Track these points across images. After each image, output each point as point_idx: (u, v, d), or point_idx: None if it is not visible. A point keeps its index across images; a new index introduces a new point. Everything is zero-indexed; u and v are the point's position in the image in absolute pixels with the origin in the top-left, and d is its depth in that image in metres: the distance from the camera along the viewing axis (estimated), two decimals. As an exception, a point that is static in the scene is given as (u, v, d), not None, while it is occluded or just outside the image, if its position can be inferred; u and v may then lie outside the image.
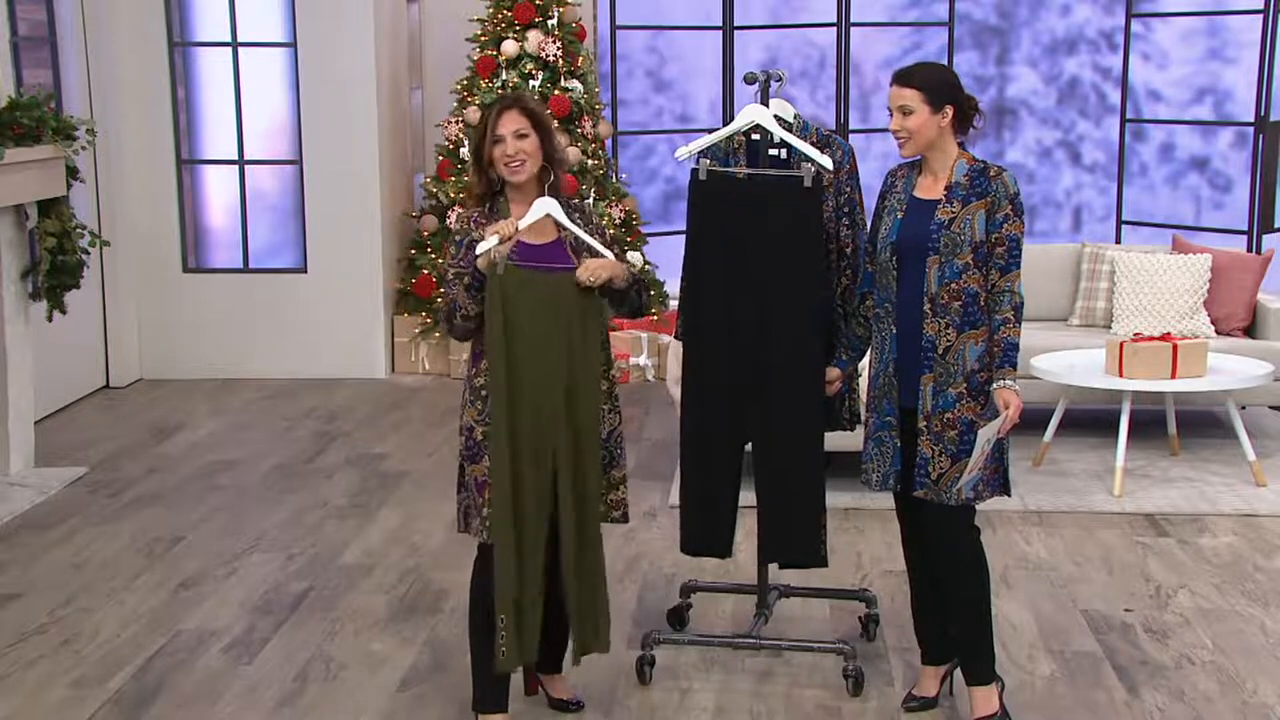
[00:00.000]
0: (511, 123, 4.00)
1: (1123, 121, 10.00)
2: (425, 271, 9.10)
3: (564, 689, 4.39)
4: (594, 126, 9.23)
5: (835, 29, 9.83)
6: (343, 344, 9.17)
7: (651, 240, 9.66)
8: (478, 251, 3.91)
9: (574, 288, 3.97)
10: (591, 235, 4.06)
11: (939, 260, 4.06)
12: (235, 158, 9.16)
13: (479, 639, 4.08)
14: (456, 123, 9.14)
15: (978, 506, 4.19)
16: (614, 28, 9.88)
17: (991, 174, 4.08)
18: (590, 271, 3.95)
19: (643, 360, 9.05)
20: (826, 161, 4.36)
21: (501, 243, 3.88)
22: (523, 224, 3.95)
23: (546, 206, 3.99)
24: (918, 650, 4.46)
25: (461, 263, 4.00)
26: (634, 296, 4.09)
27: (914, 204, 4.15)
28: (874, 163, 9.83)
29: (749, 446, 4.50)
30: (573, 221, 4.05)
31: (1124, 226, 10.06)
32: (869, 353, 4.32)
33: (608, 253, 4.06)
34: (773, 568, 4.83)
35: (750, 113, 4.47)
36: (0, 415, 6.86)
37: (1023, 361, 6.41)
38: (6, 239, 6.78)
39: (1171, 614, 5.12)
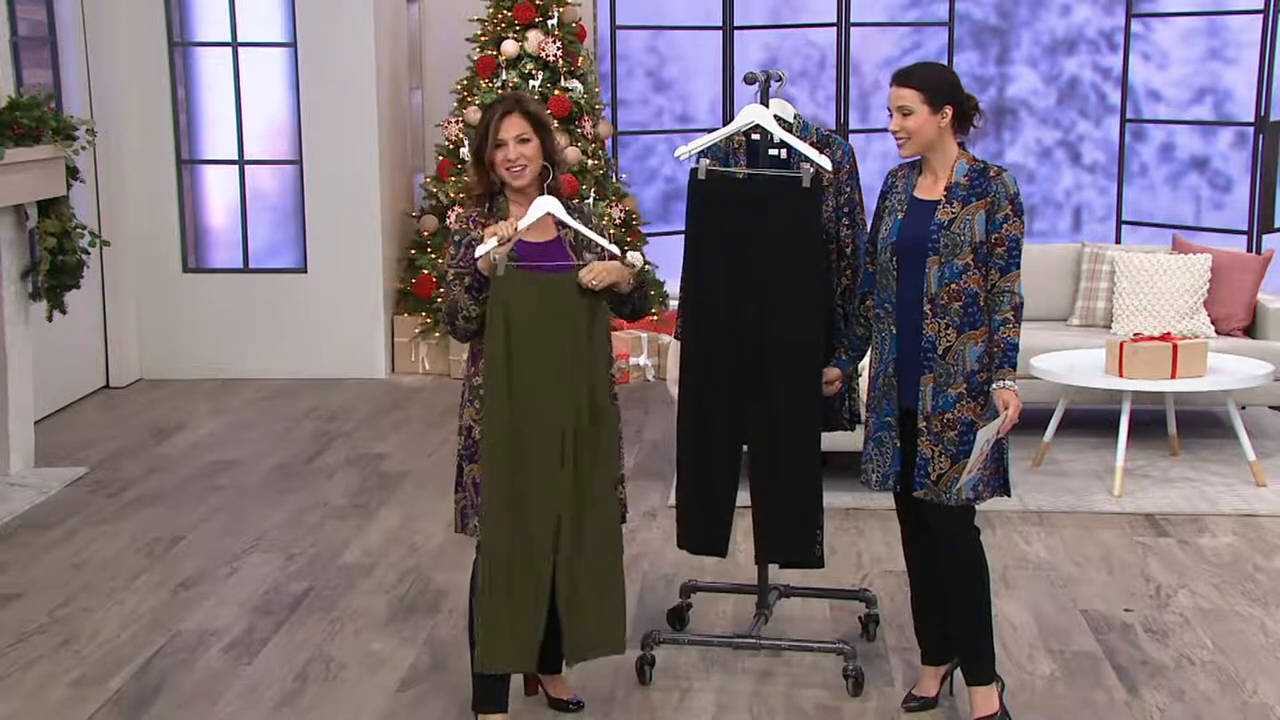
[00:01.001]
0: (513, 127, 3.99)
1: (1123, 121, 10.00)
2: (425, 271, 9.10)
3: (564, 689, 4.39)
4: (594, 126, 9.23)
5: (835, 29, 9.83)
6: (343, 344, 9.17)
7: (651, 240, 9.66)
8: (477, 253, 3.92)
9: (577, 289, 3.96)
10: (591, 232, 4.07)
11: (939, 260, 4.06)
12: (235, 158, 9.16)
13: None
14: (456, 123, 9.14)
15: (978, 506, 4.19)
16: (614, 28, 9.88)
17: (991, 174, 4.08)
18: (594, 275, 3.94)
19: (643, 360, 9.05)
20: (825, 162, 4.36)
21: (500, 244, 3.88)
22: (522, 224, 3.95)
23: (546, 205, 3.99)
24: (918, 650, 4.46)
25: (461, 263, 4.00)
26: (636, 299, 4.09)
27: (914, 204, 4.15)
28: (874, 163, 9.84)
29: (746, 446, 4.50)
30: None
31: (1124, 226, 10.06)
32: (869, 353, 4.32)
33: (613, 248, 4.06)
34: (773, 568, 4.84)
35: (750, 113, 4.47)
36: (0, 415, 6.86)
37: (1023, 361, 6.41)
38: (6, 239, 6.78)
39: (1171, 614, 5.12)
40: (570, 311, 3.95)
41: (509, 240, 3.90)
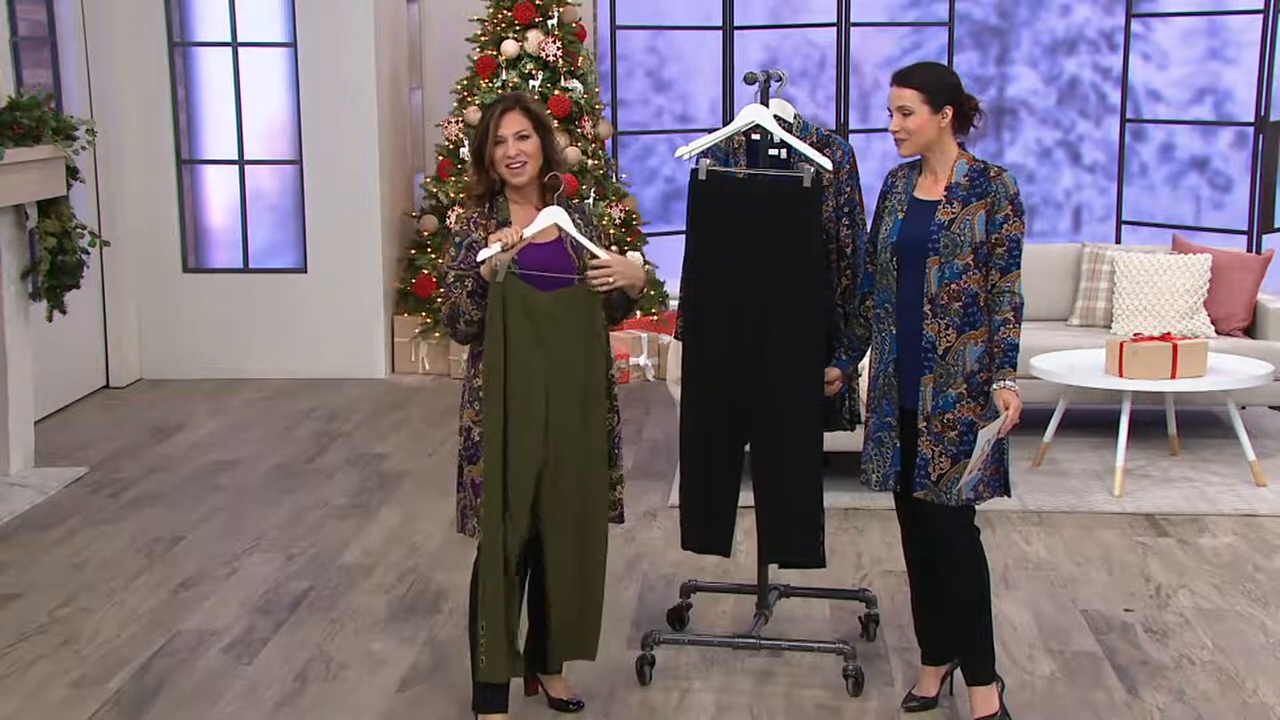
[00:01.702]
0: (513, 124, 4.00)
1: (1123, 121, 10.00)
2: (425, 271, 9.10)
3: (564, 689, 4.39)
4: (594, 126, 9.23)
5: (835, 29, 9.83)
6: (343, 344, 9.17)
7: (651, 240, 9.66)
8: (479, 258, 3.92)
9: (579, 300, 3.97)
10: (593, 239, 4.07)
11: (939, 261, 4.06)
12: (235, 158, 9.16)
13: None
14: (456, 123, 9.14)
15: (978, 506, 4.19)
16: (614, 28, 9.88)
17: (991, 174, 4.08)
18: (602, 278, 3.96)
19: (643, 360, 9.05)
20: (826, 162, 4.36)
21: (504, 250, 3.89)
22: (528, 233, 3.95)
23: (554, 216, 3.99)
24: (918, 650, 4.46)
25: (461, 264, 4.00)
26: (628, 306, 4.12)
27: (914, 204, 4.15)
28: (874, 163, 9.84)
29: (748, 446, 4.50)
30: (572, 222, 4.05)
31: (1124, 226, 10.06)
32: (869, 353, 4.32)
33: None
34: (773, 568, 4.84)
35: (750, 113, 4.47)
36: (0, 415, 6.86)
37: (1023, 361, 6.41)
38: (6, 239, 6.78)
39: (1171, 614, 5.12)
40: (568, 318, 3.96)
41: (513, 247, 3.91)
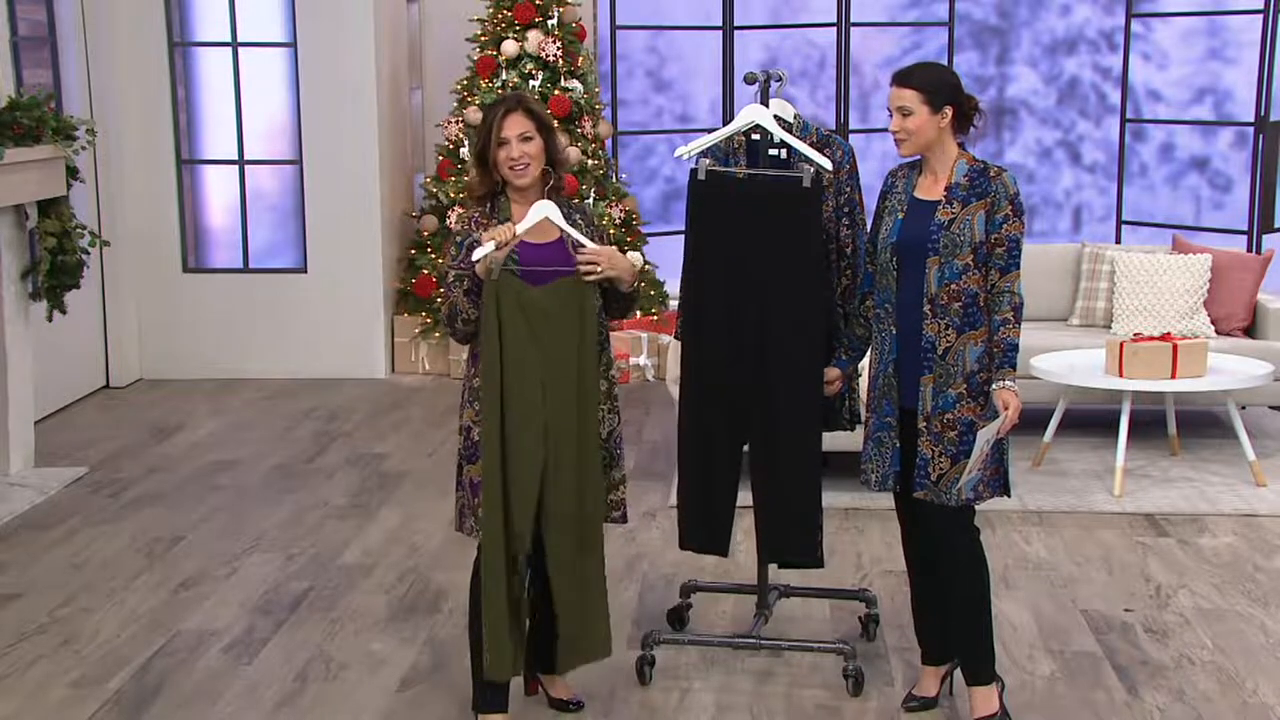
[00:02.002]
0: (516, 125, 3.99)
1: (1123, 121, 10.00)
2: (425, 271, 9.10)
3: (564, 689, 4.39)
4: (594, 126, 9.23)
5: (835, 29, 9.84)
6: (343, 344, 9.17)
7: (651, 240, 9.66)
8: (474, 257, 3.92)
9: (571, 294, 3.96)
10: (591, 237, 4.06)
11: (939, 261, 4.06)
12: (235, 158, 9.16)
13: (478, 639, 4.08)
14: (456, 123, 9.14)
15: (977, 506, 4.19)
16: (614, 28, 9.88)
17: (991, 174, 4.08)
18: (590, 264, 3.95)
19: (643, 360, 9.05)
20: (825, 162, 4.36)
21: (498, 248, 3.89)
22: (520, 229, 3.95)
23: (544, 210, 3.99)
24: (918, 650, 4.46)
25: (461, 264, 4.00)
26: (629, 300, 4.12)
27: (914, 204, 4.15)
28: (874, 163, 9.84)
29: (747, 446, 4.51)
30: (571, 223, 4.04)
31: (1124, 226, 10.07)
32: (869, 353, 4.32)
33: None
34: (773, 567, 4.84)
35: (750, 113, 4.47)
36: (0, 415, 6.86)
37: (1023, 361, 6.41)
38: (6, 239, 6.78)
39: (1171, 614, 5.12)
40: (563, 314, 3.95)
41: (506, 244, 3.90)
